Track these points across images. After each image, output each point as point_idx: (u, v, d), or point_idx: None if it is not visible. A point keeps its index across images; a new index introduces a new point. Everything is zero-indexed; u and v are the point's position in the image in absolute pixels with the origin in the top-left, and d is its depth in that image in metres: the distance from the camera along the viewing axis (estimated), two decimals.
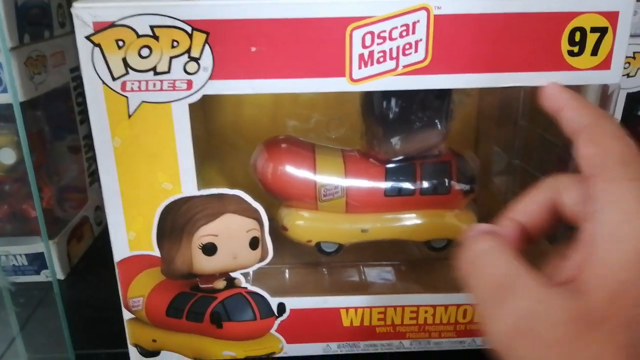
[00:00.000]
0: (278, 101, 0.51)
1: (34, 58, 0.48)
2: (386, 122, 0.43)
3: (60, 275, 0.52)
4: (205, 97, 0.32)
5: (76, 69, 0.56)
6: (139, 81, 0.31)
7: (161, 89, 0.31)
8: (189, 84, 0.31)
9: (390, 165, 0.44)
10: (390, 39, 0.31)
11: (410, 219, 0.45)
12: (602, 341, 0.18)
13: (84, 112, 0.58)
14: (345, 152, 0.45)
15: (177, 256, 0.35)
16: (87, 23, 0.30)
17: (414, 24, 0.31)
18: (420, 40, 0.31)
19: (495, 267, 0.23)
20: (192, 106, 0.33)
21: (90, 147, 0.60)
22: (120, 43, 0.30)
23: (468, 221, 0.46)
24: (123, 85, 0.31)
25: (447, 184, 0.44)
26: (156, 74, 0.31)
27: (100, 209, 0.62)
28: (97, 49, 0.31)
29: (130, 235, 0.35)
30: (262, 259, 0.37)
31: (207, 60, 0.31)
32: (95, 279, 0.52)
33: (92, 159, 0.60)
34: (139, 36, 0.30)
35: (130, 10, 0.30)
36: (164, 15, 0.30)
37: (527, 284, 0.21)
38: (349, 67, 0.32)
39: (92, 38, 0.30)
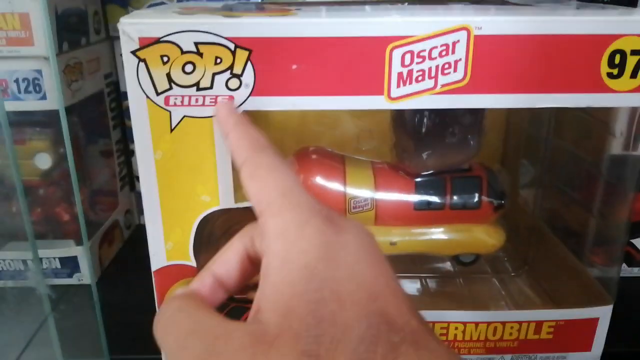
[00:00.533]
0: (307, 112, 0.51)
1: (71, 65, 0.49)
2: (418, 136, 0.43)
3: (91, 279, 0.53)
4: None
5: (110, 75, 0.57)
6: (182, 96, 0.31)
7: (203, 104, 0.32)
8: (231, 99, 0.32)
9: (420, 179, 0.44)
10: (430, 58, 0.31)
11: (439, 233, 0.45)
12: (279, 356, 0.19)
13: (117, 118, 0.59)
14: (375, 165, 0.45)
15: None
16: (133, 38, 0.30)
17: (454, 44, 0.31)
18: (460, 60, 0.31)
19: (181, 323, 0.23)
20: None
21: (122, 151, 0.61)
22: (165, 59, 0.31)
23: (497, 236, 0.46)
24: (166, 99, 0.32)
25: (477, 199, 0.44)
26: (199, 89, 0.31)
27: (130, 212, 0.63)
28: (142, 64, 0.31)
29: (168, 245, 0.35)
30: None
31: (248, 77, 0.31)
32: (126, 282, 0.52)
33: (124, 163, 0.61)
34: (183, 52, 0.31)
35: (176, 27, 0.30)
36: (208, 33, 0.30)
37: (207, 327, 0.22)
38: (387, 86, 0.32)
39: (138, 53, 0.31)
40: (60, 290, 0.49)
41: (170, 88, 0.31)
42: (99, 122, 0.57)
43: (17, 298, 0.49)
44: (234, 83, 0.32)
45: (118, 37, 0.50)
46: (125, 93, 0.58)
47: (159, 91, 0.31)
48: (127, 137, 0.61)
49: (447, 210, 0.44)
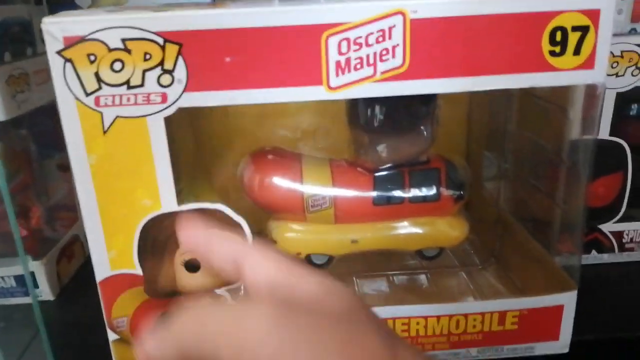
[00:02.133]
0: (265, 112, 0.50)
1: (16, 76, 0.47)
2: (371, 130, 0.42)
3: (50, 296, 0.51)
4: (192, 110, 0.31)
5: None
6: (113, 96, 0.30)
7: (135, 103, 0.31)
8: (164, 97, 0.31)
9: (378, 174, 0.43)
10: (367, 45, 0.31)
11: (401, 228, 0.45)
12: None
13: None
14: (333, 162, 0.44)
15: (160, 274, 0.34)
16: (57, 38, 0.29)
17: (390, 29, 0.30)
18: (397, 45, 0.31)
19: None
20: (180, 119, 0.32)
21: None
22: (92, 57, 0.30)
23: (460, 228, 0.46)
24: (97, 100, 0.30)
25: (436, 191, 0.43)
26: (130, 87, 0.30)
27: None
28: (68, 64, 0.30)
29: (111, 254, 0.34)
30: None
31: (181, 72, 0.30)
32: (85, 299, 0.50)
33: None
34: (110, 50, 0.30)
35: (101, 24, 0.29)
36: (135, 28, 0.29)
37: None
38: (326, 75, 0.31)
39: (63, 53, 0.30)
40: (12, 310, 0.48)
41: (100, 88, 0.30)
42: (53, 134, 0.55)
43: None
44: (165, 79, 0.31)
45: None
46: None
47: (88, 92, 0.30)
48: None
49: (406, 204, 0.43)
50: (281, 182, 0.42)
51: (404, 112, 0.41)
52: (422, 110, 0.41)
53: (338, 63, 0.31)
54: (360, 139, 0.43)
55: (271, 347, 0.19)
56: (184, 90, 0.31)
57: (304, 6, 0.31)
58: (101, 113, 0.31)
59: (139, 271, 0.34)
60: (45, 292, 0.51)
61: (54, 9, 0.54)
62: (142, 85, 0.30)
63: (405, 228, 0.44)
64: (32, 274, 0.50)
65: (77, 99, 0.30)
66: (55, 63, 0.30)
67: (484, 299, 0.45)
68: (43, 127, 0.53)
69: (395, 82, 0.31)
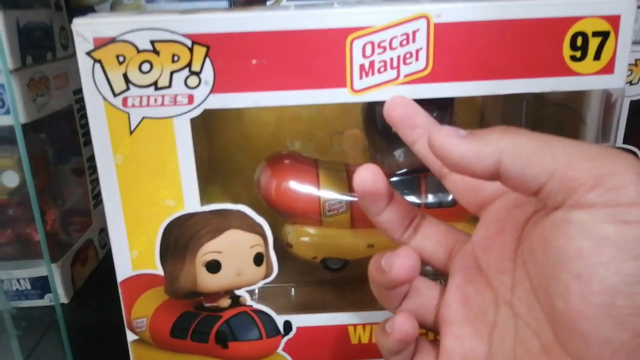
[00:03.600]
0: (280, 117, 0.51)
1: (36, 80, 0.48)
2: (388, 135, 0.42)
3: (64, 299, 0.52)
4: (208, 115, 0.32)
5: (79, 91, 0.56)
6: (140, 97, 0.31)
7: (162, 104, 0.31)
8: (190, 98, 0.31)
9: (394, 179, 0.43)
10: (391, 48, 0.31)
11: None
12: None
13: (88, 134, 0.58)
14: (349, 167, 0.45)
15: (181, 274, 0.35)
16: (87, 39, 0.30)
17: (414, 32, 0.31)
18: (421, 49, 0.31)
19: None
20: (194, 124, 0.33)
21: (94, 169, 0.59)
22: (121, 59, 0.30)
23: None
24: (124, 101, 0.31)
25: (452, 197, 0.43)
26: (157, 89, 0.31)
27: (104, 231, 0.61)
28: (97, 65, 0.30)
29: (133, 254, 0.34)
30: (266, 276, 0.37)
31: (207, 74, 0.31)
32: (99, 302, 0.52)
33: (96, 181, 0.60)
34: (139, 51, 0.30)
35: (130, 26, 0.30)
36: (164, 30, 0.30)
37: None
38: (349, 78, 0.32)
39: (93, 54, 0.30)
40: (29, 312, 0.48)
41: (128, 89, 0.31)
42: (69, 139, 0.56)
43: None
44: (193, 81, 0.31)
45: None
46: None
47: (116, 92, 0.31)
48: None
49: (422, 210, 0.43)
50: (298, 186, 0.43)
51: None
52: (439, 116, 0.42)
53: (362, 66, 0.31)
54: (376, 143, 0.44)
55: None
56: (211, 92, 0.31)
57: (329, 9, 0.31)
58: (128, 113, 0.31)
59: (160, 271, 0.35)
60: (60, 295, 0.51)
61: (73, 15, 0.55)
62: (169, 86, 0.31)
63: None
64: (46, 277, 0.50)
65: (105, 99, 0.31)
66: (84, 64, 0.31)
67: None
68: (60, 131, 0.54)
69: (418, 85, 0.32)
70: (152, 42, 0.30)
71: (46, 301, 0.51)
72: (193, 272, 0.35)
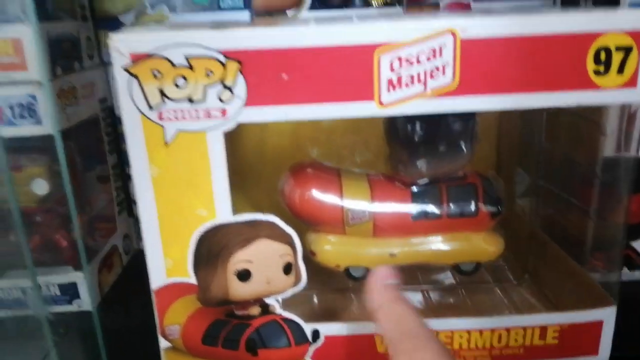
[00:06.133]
0: (300, 125, 0.52)
1: (65, 90, 0.49)
2: (411, 145, 0.43)
3: (90, 306, 0.51)
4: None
5: (104, 100, 0.58)
6: (175, 110, 0.32)
7: (197, 118, 0.32)
8: (224, 112, 0.32)
9: (416, 189, 0.44)
10: (418, 62, 0.32)
11: (438, 242, 0.45)
12: None
13: (113, 142, 0.59)
14: (371, 176, 0.45)
15: (213, 283, 0.36)
16: (124, 54, 0.31)
17: (440, 47, 0.32)
18: (448, 63, 0.32)
19: None
20: None
21: (119, 176, 0.61)
22: (157, 73, 0.31)
23: (496, 243, 0.46)
24: (160, 114, 0.32)
25: (474, 206, 0.44)
26: (192, 103, 0.32)
27: (128, 237, 0.62)
28: (134, 80, 0.31)
29: (167, 262, 0.35)
30: (295, 284, 0.37)
31: (240, 88, 0.32)
32: (126, 308, 0.52)
33: (121, 189, 0.61)
34: (174, 66, 0.31)
35: (166, 41, 0.31)
36: (198, 45, 0.31)
37: None
38: (377, 92, 0.32)
39: (129, 69, 0.31)
40: (59, 317, 0.49)
41: (163, 102, 0.32)
42: (95, 147, 0.57)
43: (18, 326, 0.48)
44: (226, 95, 0.32)
45: (111, 63, 0.50)
46: (120, 118, 0.59)
47: (152, 106, 0.32)
48: (123, 162, 0.61)
49: (444, 219, 0.44)
50: (322, 195, 0.43)
51: (444, 128, 0.42)
52: (461, 126, 0.43)
53: (390, 80, 0.32)
54: (399, 153, 0.44)
55: None
56: (243, 106, 0.32)
57: (359, 25, 0.32)
58: (163, 126, 0.32)
59: (192, 280, 0.36)
60: (86, 301, 0.51)
61: (98, 25, 0.57)
62: (203, 100, 0.32)
63: (443, 242, 0.45)
64: (74, 284, 0.52)
65: (141, 112, 0.32)
66: (121, 78, 0.32)
67: (519, 313, 0.45)
68: (86, 139, 0.55)
69: (444, 98, 0.33)
70: (187, 58, 0.31)
71: (74, 307, 0.51)
72: (224, 280, 0.35)
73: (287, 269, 0.37)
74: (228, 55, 0.31)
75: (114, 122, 0.60)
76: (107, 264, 0.56)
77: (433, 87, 0.32)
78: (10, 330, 0.49)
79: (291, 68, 0.32)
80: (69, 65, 0.50)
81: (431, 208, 0.44)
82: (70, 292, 0.51)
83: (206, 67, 0.31)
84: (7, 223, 0.50)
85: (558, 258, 0.48)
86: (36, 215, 0.52)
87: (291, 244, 0.37)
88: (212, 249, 0.35)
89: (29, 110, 0.46)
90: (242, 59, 0.31)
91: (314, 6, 0.57)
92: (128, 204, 0.63)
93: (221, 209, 0.34)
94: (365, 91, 0.32)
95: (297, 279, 0.37)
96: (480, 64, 0.32)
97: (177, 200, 0.34)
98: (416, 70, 0.32)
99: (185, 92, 0.32)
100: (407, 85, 0.32)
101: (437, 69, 0.32)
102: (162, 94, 0.32)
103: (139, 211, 0.34)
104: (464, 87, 0.32)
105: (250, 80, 0.32)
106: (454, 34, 0.32)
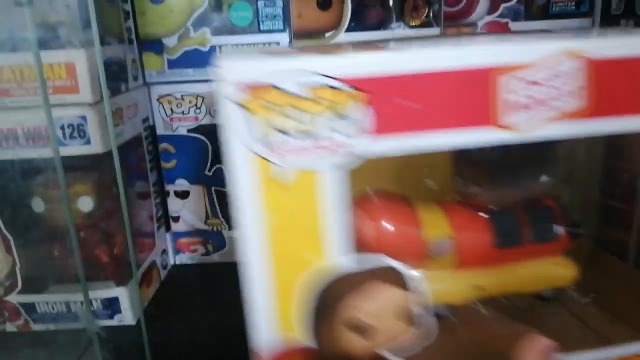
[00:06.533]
0: None
1: (113, 111, 0.46)
2: (492, 169, 0.39)
3: (132, 321, 0.49)
4: None
5: (146, 119, 0.54)
6: (291, 146, 0.26)
7: (315, 154, 0.26)
8: (344, 146, 0.26)
9: (493, 215, 0.39)
10: (541, 84, 0.28)
11: (522, 270, 0.40)
12: None
13: (154, 160, 0.55)
14: (443, 204, 0.39)
15: (328, 339, 0.30)
16: (233, 83, 0.25)
17: (559, 69, 0.28)
18: (572, 85, 0.28)
19: None
20: None
21: (158, 193, 0.57)
22: (270, 105, 0.25)
23: (571, 266, 0.42)
24: (274, 151, 0.26)
25: (554, 230, 0.39)
26: (307, 136, 0.26)
27: (165, 252, 0.59)
28: (244, 112, 0.25)
29: (275, 321, 0.29)
30: (416, 334, 0.31)
31: (361, 119, 0.26)
32: (166, 323, 0.49)
33: (159, 204, 0.57)
34: (290, 96, 0.25)
35: (282, 68, 0.25)
36: (317, 73, 0.25)
37: None
38: (498, 115, 0.28)
39: (239, 100, 0.25)
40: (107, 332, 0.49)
41: (278, 138, 0.26)
42: (137, 165, 0.53)
43: (65, 340, 0.49)
44: (344, 127, 0.26)
45: (153, 83, 0.51)
46: (162, 136, 0.60)
47: (263, 141, 0.26)
48: (162, 178, 0.58)
49: (526, 245, 0.39)
50: (398, 227, 0.38)
51: (525, 152, 0.36)
52: (542, 151, 0.38)
53: (513, 103, 0.28)
54: (475, 177, 0.40)
55: None
56: (366, 139, 0.26)
57: (480, 47, 0.28)
58: (278, 165, 0.26)
59: (305, 336, 0.29)
60: (128, 317, 0.49)
61: (142, 48, 0.58)
62: (320, 134, 0.26)
63: (526, 269, 0.40)
64: (116, 299, 0.51)
65: (251, 150, 0.26)
66: (228, 110, 0.25)
67: (599, 335, 0.41)
68: (129, 158, 0.52)
69: (569, 121, 0.29)
70: (304, 86, 0.25)
71: (115, 321, 0.49)
72: (340, 336, 0.30)
73: (407, 317, 0.31)
74: (349, 82, 0.26)
75: (155, 140, 0.56)
76: (146, 278, 0.53)
77: (556, 108, 0.28)
78: (56, 343, 0.50)
79: (415, 94, 0.26)
80: (116, 87, 0.48)
81: (513, 234, 0.39)
82: (111, 306, 0.50)
83: (326, 97, 0.25)
84: (52, 238, 0.52)
85: (625, 275, 0.43)
86: (80, 231, 0.53)
87: (411, 288, 0.30)
88: (325, 301, 0.29)
89: (79, 131, 0.47)
90: (363, 87, 0.26)
91: (349, 28, 0.58)
92: (166, 220, 0.59)
93: (337, 256, 0.28)
94: (485, 115, 0.28)
95: (419, 328, 0.31)
96: (605, 85, 0.28)
97: (289, 249, 0.28)
98: (539, 92, 0.28)
99: (300, 125, 0.26)
100: (531, 108, 0.28)
101: (559, 90, 0.28)
102: (275, 127, 0.26)
103: (245, 263, 0.28)
104: (590, 109, 0.28)
105: (375, 110, 0.26)
106: (574, 55, 0.27)
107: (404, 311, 0.30)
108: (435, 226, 0.38)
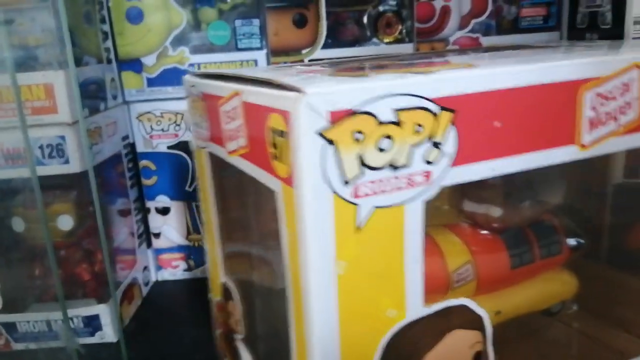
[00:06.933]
0: None
1: (92, 130, 0.46)
2: (505, 186, 0.37)
3: (113, 338, 0.48)
4: None
5: (126, 137, 0.53)
6: (374, 182, 0.23)
7: (397, 189, 0.23)
8: (428, 175, 0.24)
9: (505, 234, 0.38)
10: (613, 99, 0.28)
11: (534, 288, 0.40)
12: None
13: (133, 177, 0.55)
14: (454, 228, 0.37)
15: None
16: (321, 114, 0.21)
17: (629, 82, 0.28)
18: (632, 97, 0.28)
19: None
20: None
21: (139, 209, 0.55)
22: (359, 136, 0.22)
23: (573, 278, 0.41)
24: (355, 190, 0.23)
25: (559, 243, 0.39)
26: (394, 169, 0.23)
27: (147, 269, 0.57)
28: (330, 148, 0.22)
29: None
30: None
31: (450, 144, 0.24)
32: (147, 340, 0.49)
33: (141, 221, 0.56)
34: (380, 124, 0.22)
35: (375, 92, 0.22)
36: (412, 95, 0.23)
37: None
38: (579, 133, 0.28)
39: (326, 133, 0.22)
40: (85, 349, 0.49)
41: (362, 174, 0.23)
42: (117, 182, 0.52)
43: (46, 359, 0.49)
44: (433, 155, 0.24)
45: (133, 102, 0.46)
46: (142, 154, 0.56)
47: (349, 180, 0.22)
48: (143, 195, 0.56)
49: (537, 262, 0.38)
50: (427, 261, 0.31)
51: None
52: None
53: (590, 120, 0.28)
54: (485, 195, 0.38)
55: None
56: (450, 165, 0.24)
57: (563, 61, 0.27)
58: (358, 206, 0.23)
59: None
60: (109, 334, 0.49)
61: (121, 67, 0.55)
62: (407, 165, 0.23)
63: (536, 287, 0.39)
64: (97, 316, 0.50)
65: (334, 192, 0.22)
66: (311, 147, 0.21)
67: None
68: (109, 175, 0.51)
69: (633, 134, 0.28)
70: (396, 111, 0.23)
71: (97, 339, 0.48)
72: None
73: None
74: (441, 103, 0.23)
75: (135, 157, 0.55)
76: (127, 295, 0.52)
77: (622, 123, 0.28)
78: None
79: (501, 113, 0.25)
80: (95, 106, 0.47)
81: (525, 252, 0.38)
82: (93, 324, 0.49)
83: (416, 121, 0.23)
84: (32, 258, 0.52)
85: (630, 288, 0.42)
86: (60, 249, 0.53)
87: (482, 329, 0.29)
88: (400, 353, 0.26)
89: (57, 151, 0.48)
90: (455, 107, 0.24)
91: (325, 45, 0.59)
92: (147, 236, 0.57)
93: (413, 304, 0.25)
94: (567, 134, 0.27)
95: None
96: None
97: (362, 300, 0.24)
98: (611, 106, 0.28)
99: (388, 156, 0.23)
100: (603, 123, 0.28)
101: (627, 104, 0.28)
102: (362, 162, 0.23)
103: (312, 316, 0.24)
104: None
105: (462, 133, 0.24)
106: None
107: (473, 353, 0.29)
108: (456, 254, 0.35)
